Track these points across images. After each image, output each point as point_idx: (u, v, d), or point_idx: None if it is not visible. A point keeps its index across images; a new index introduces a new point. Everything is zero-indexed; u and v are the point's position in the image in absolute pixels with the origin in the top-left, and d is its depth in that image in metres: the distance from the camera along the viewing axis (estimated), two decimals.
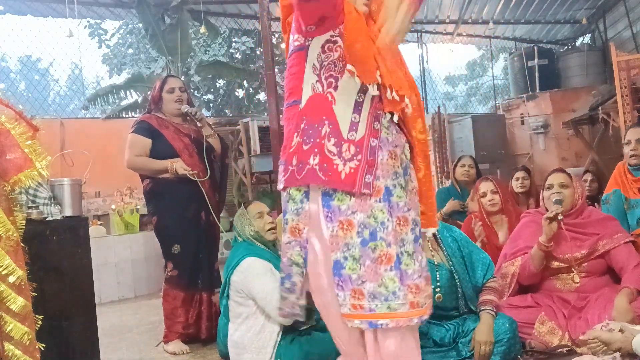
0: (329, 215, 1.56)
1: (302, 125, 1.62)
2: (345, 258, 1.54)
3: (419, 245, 1.59)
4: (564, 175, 2.84)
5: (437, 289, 2.46)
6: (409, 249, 1.56)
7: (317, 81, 1.63)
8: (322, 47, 1.62)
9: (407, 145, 1.68)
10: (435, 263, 2.52)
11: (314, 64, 1.63)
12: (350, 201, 1.55)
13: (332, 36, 1.62)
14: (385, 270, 1.52)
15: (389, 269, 1.51)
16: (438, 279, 2.48)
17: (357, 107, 1.60)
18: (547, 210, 2.76)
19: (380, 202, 1.55)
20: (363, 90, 1.60)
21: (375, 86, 1.58)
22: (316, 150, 1.58)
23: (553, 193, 2.76)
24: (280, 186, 1.66)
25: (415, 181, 1.69)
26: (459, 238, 2.65)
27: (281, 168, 1.66)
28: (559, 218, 2.63)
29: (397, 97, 1.59)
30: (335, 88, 1.60)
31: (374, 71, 1.56)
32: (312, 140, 1.59)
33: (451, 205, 4.10)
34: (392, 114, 1.63)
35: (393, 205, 1.56)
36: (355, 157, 1.56)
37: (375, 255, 1.52)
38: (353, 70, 1.54)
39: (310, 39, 1.64)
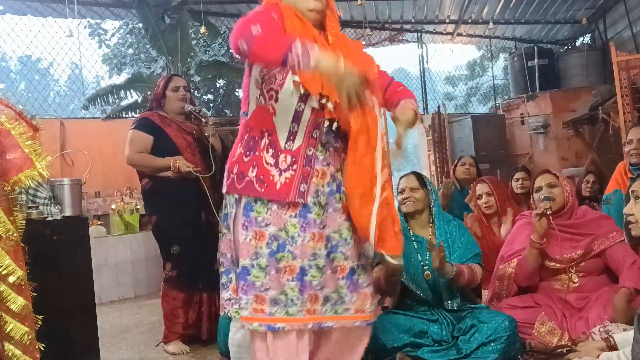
0: (246, 224, 1.66)
1: (246, 137, 1.72)
2: (252, 266, 1.64)
3: (330, 262, 1.68)
4: (551, 175, 2.86)
5: (425, 267, 2.63)
6: (319, 263, 1.65)
7: (260, 95, 1.71)
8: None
9: (344, 163, 1.71)
10: (429, 244, 2.65)
11: (256, 79, 1.72)
12: (267, 214, 1.64)
13: None
14: (287, 280, 1.63)
15: (291, 279, 1.63)
16: (427, 258, 2.62)
17: (297, 116, 1.66)
18: None
19: (295, 217, 1.64)
20: (303, 100, 1.66)
21: (316, 97, 1.63)
22: (255, 162, 1.67)
23: (542, 193, 2.78)
24: (223, 190, 1.78)
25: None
26: (455, 225, 2.74)
27: (225, 174, 1.77)
28: (548, 213, 2.64)
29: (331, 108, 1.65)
30: (276, 100, 1.67)
31: (319, 81, 1.61)
32: (252, 152, 1.69)
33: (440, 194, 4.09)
34: (330, 122, 1.68)
35: (309, 222, 1.64)
36: (291, 167, 1.65)
37: (280, 265, 1.63)
38: (298, 81, 1.61)
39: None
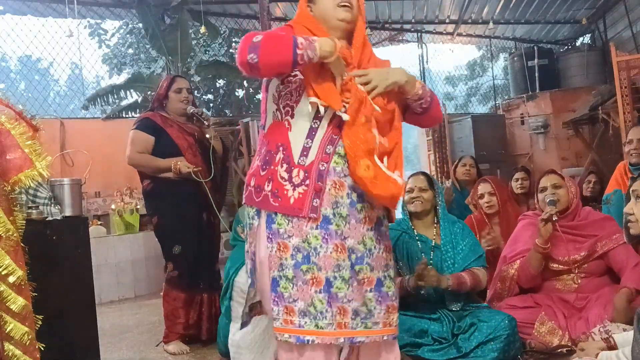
0: (270, 236, 1.68)
1: (263, 150, 1.76)
2: (280, 277, 1.65)
3: (355, 273, 1.67)
4: (556, 176, 2.84)
5: (430, 266, 2.61)
6: (344, 275, 1.65)
7: (276, 110, 1.74)
8: (283, 80, 1.72)
9: None
10: (433, 244, 2.69)
11: (273, 94, 1.75)
12: (288, 226, 1.66)
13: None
14: (315, 292, 1.63)
15: (318, 291, 1.63)
16: (432, 257, 2.66)
17: (311, 132, 1.68)
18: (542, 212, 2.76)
19: (316, 228, 1.65)
20: (318, 117, 1.68)
21: (339, 111, 1.66)
22: (270, 177, 1.70)
23: (547, 195, 2.77)
24: (243, 201, 1.81)
25: (376, 209, 1.74)
26: (459, 226, 2.77)
27: (245, 186, 1.81)
28: (554, 219, 2.63)
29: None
30: (292, 116, 1.70)
31: (339, 98, 1.66)
32: (267, 166, 1.71)
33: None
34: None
35: (331, 233, 1.65)
36: (303, 183, 1.66)
37: (306, 277, 1.64)
38: (317, 101, 1.64)
39: None
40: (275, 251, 1.66)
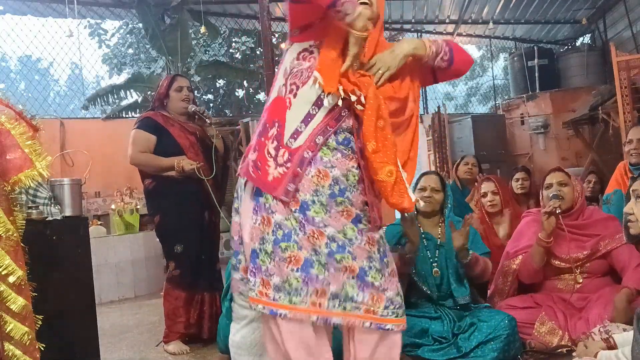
0: (255, 208, 1.68)
1: (261, 122, 1.76)
2: (260, 250, 1.66)
3: (334, 261, 1.66)
4: (562, 174, 2.84)
5: (434, 264, 2.68)
6: (321, 260, 1.65)
7: (283, 85, 1.72)
8: (298, 54, 1.71)
9: (353, 170, 1.71)
10: (439, 243, 2.72)
11: (286, 68, 1.74)
12: (273, 201, 1.66)
13: (310, 46, 1.71)
14: (291, 270, 1.63)
15: (295, 269, 1.63)
16: (437, 255, 2.70)
17: (307, 118, 1.67)
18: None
19: (296, 212, 1.66)
20: (318, 104, 1.66)
21: (330, 98, 1.64)
22: (257, 147, 1.71)
23: (551, 191, 2.77)
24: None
25: (354, 208, 1.72)
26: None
27: (242, 157, 1.83)
28: (557, 212, 2.64)
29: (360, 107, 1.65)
30: (295, 95, 1.68)
31: (336, 82, 1.62)
32: (260, 137, 1.72)
33: None
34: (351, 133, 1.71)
35: (308, 219, 1.65)
36: (285, 164, 1.66)
37: (285, 255, 1.64)
38: (318, 76, 1.62)
39: (291, 44, 1.76)
40: (259, 224, 1.66)
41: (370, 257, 1.69)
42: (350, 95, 1.63)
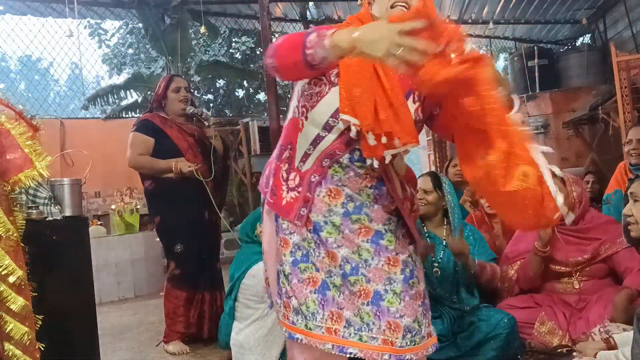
0: (277, 229, 1.66)
1: (278, 143, 1.73)
2: (280, 272, 1.64)
3: (348, 283, 1.61)
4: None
5: (436, 264, 2.67)
6: (335, 282, 1.61)
7: (296, 106, 1.68)
8: (310, 80, 1.63)
9: (367, 190, 1.62)
10: (443, 244, 2.70)
11: (298, 91, 1.68)
12: (290, 223, 1.64)
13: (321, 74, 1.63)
14: (310, 292, 1.60)
15: (313, 291, 1.60)
16: (441, 256, 2.68)
17: (317, 140, 1.61)
18: None
19: (310, 232, 1.63)
20: (328, 128, 1.60)
21: (340, 123, 1.55)
22: (274, 172, 1.69)
23: None
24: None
25: (375, 223, 1.64)
26: (470, 228, 2.84)
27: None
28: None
29: (376, 142, 1.51)
30: (306, 118, 1.63)
31: (373, 118, 1.49)
32: (276, 162, 1.70)
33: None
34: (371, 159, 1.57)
35: (322, 240, 1.62)
36: (297, 189, 1.63)
37: (303, 276, 1.61)
38: (349, 119, 1.50)
39: None
40: (280, 246, 1.64)
41: (390, 278, 1.61)
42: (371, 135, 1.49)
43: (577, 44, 10.27)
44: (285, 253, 1.63)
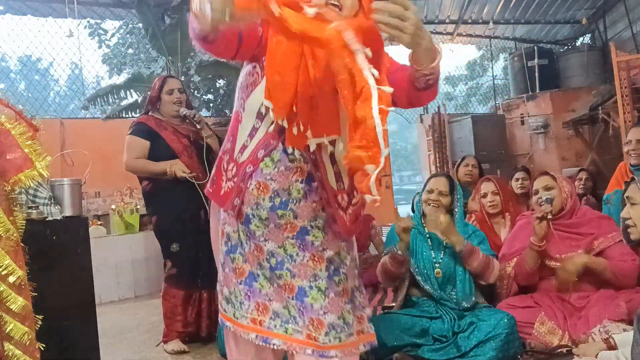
0: (218, 218, 1.72)
1: (225, 137, 1.74)
2: (218, 261, 1.71)
3: (275, 277, 1.61)
4: (548, 177, 2.88)
5: (437, 264, 2.68)
6: (266, 274, 1.63)
7: (237, 98, 1.69)
8: (248, 70, 1.63)
9: (297, 184, 1.59)
10: (444, 244, 2.70)
11: (241, 82, 1.67)
12: (225, 213, 1.67)
13: (254, 59, 1.61)
14: (237, 283, 1.63)
15: (239, 282, 1.63)
16: (442, 256, 2.69)
17: (252, 131, 1.62)
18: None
19: (242, 224, 1.64)
20: (260, 117, 1.60)
21: (272, 114, 1.54)
22: (217, 163, 1.72)
23: (539, 197, 2.80)
24: None
25: (301, 220, 1.61)
26: (471, 228, 2.84)
27: None
28: (548, 217, 2.66)
29: (301, 134, 1.51)
30: (244, 109, 1.64)
31: (288, 107, 1.49)
32: (220, 153, 1.73)
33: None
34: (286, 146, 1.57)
35: (251, 232, 1.63)
36: (233, 179, 1.64)
37: (233, 265, 1.64)
38: (269, 105, 1.52)
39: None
40: (218, 234, 1.70)
41: (315, 274, 1.59)
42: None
43: (577, 44, 10.27)
44: (221, 242, 1.68)
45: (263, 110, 1.56)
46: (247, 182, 1.61)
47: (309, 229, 1.61)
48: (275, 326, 1.59)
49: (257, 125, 1.61)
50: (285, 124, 1.52)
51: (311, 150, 1.56)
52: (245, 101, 1.62)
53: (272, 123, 1.55)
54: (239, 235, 1.64)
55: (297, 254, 1.60)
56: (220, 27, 1.34)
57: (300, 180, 1.59)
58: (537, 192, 2.85)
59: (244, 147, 1.63)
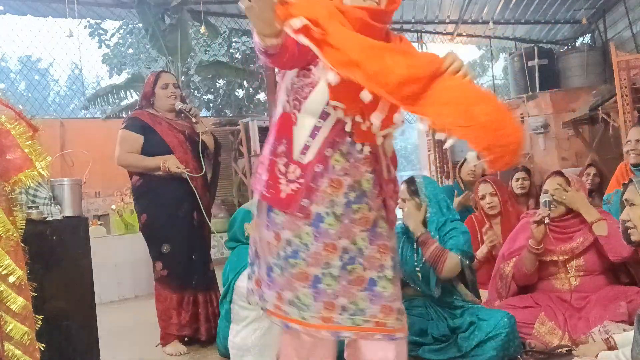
0: (268, 223, 1.69)
1: (269, 139, 1.74)
2: (275, 264, 1.68)
3: (346, 273, 1.65)
4: (562, 179, 2.81)
5: (416, 262, 2.69)
6: (333, 272, 1.64)
7: (286, 101, 1.70)
8: (298, 73, 1.66)
9: (368, 175, 1.66)
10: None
11: (287, 86, 1.70)
12: (284, 217, 1.66)
13: (309, 63, 1.65)
14: (301, 287, 1.64)
15: (306, 286, 1.64)
16: (419, 256, 2.69)
17: (315, 131, 1.64)
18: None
19: (309, 225, 1.64)
20: (324, 116, 1.63)
21: (341, 113, 1.59)
22: (269, 167, 1.69)
23: (544, 197, 2.76)
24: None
25: (374, 211, 1.68)
26: (452, 226, 2.74)
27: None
28: (546, 222, 2.64)
29: (367, 126, 1.58)
30: (299, 110, 1.65)
31: (356, 102, 1.52)
32: (270, 157, 1.70)
33: (457, 203, 4.09)
34: (362, 144, 1.65)
35: (322, 231, 1.64)
36: (297, 180, 1.64)
37: (294, 271, 1.65)
38: (337, 104, 1.57)
39: None
40: (273, 239, 1.67)
41: (382, 265, 1.67)
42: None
43: (577, 44, 10.27)
44: (279, 247, 1.66)
45: (327, 110, 1.60)
46: (317, 182, 1.63)
47: (378, 221, 1.69)
48: (344, 320, 1.65)
49: (319, 125, 1.63)
50: (358, 119, 1.58)
51: (379, 143, 1.64)
52: (302, 102, 1.64)
53: (337, 121, 1.61)
54: (301, 238, 1.64)
55: (366, 247, 1.67)
56: (274, 40, 1.40)
57: (369, 170, 1.67)
58: (545, 192, 2.80)
59: (306, 147, 1.64)
